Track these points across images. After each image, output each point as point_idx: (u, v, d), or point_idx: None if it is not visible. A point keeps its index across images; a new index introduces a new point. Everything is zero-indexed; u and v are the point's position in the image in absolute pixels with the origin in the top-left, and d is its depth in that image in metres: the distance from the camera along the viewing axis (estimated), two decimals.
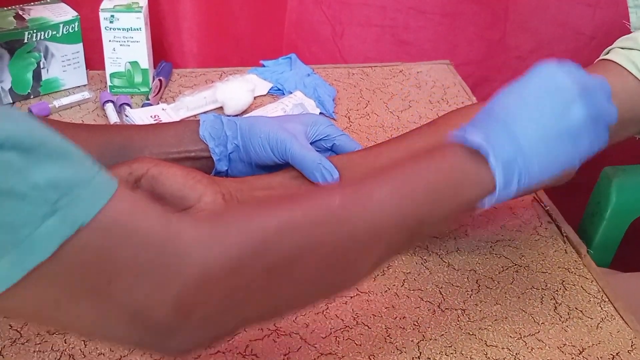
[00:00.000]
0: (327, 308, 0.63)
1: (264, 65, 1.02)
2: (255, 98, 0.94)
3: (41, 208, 0.38)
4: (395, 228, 0.48)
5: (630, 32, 0.73)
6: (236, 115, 0.91)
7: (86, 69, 0.99)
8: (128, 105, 0.92)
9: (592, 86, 0.54)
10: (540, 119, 0.52)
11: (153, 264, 0.41)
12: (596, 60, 0.71)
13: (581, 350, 0.59)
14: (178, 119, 0.89)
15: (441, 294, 0.65)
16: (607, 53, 0.70)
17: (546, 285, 0.66)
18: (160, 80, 0.97)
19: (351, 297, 0.64)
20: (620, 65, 0.67)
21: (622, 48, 0.69)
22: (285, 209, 0.46)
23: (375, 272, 0.51)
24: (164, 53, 1.14)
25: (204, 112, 0.92)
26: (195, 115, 0.92)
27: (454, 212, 0.52)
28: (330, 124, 0.73)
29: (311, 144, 0.70)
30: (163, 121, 0.88)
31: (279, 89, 0.98)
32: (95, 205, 0.39)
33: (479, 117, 0.53)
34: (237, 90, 0.91)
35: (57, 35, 0.94)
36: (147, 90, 0.97)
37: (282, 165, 0.70)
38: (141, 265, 0.40)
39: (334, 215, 0.47)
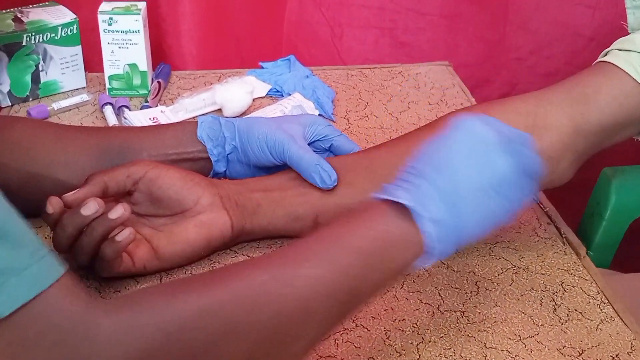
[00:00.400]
0: None
1: (262, 67, 1.02)
2: (254, 100, 0.94)
3: None
4: (329, 302, 0.46)
5: (628, 33, 0.73)
6: (235, 117, 0.91)
7: (85, 72, 0.99)
8: (127, 107, 0.92)
9: (513, 138, 0.53)
10: (466, 171, 0.51)
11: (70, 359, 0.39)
12: (594, 62, 0.71)
13: (580, 352, 0.59)
14: (176, 121, 0.89)
15: (440, 295, 0.65)
16: (605, 55, 0.70)
17: (545, 287, 0.66)
18: (159, 82, 0.97)
19: None
20: (618, 67, 0.67)
21: (620, 50, 0.68)
22: (208, 288, 0.44)
23: (312, 350, 0.49)
24: (162, 55, 1.14)
25: (203, 114, 0.92)
26: (194, 117, 0.91)
27: (387, 278, 0.50)
28: (328, 125, 0.72)
29: (309, 144, 0.70)
30: (162, 123, 0.87)
31: (278, 91, 0.98)
32: (18, 298, 0.37)
33: (404, 174, 0.52)
34: (235, 92, 0.91)
35: (56, 37, 0.94)
36: (146, 92, 0.96)
37: (280, 167, 0.69)
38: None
39: (260, 293, 0.44)
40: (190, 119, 0.91)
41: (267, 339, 0.44)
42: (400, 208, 0.49)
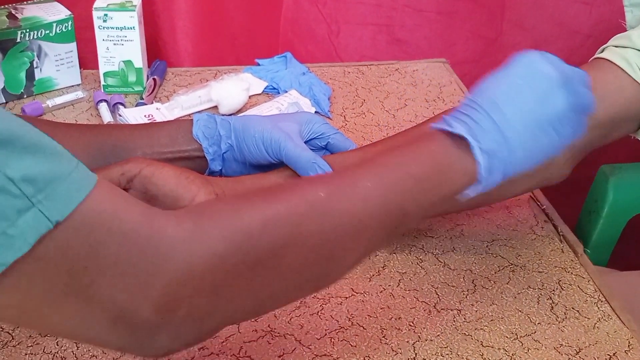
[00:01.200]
0: (322, 309, 0.62)
1: (259, 64, 1.02)
2: (250, 97, 0.94)
3: (17, 202, 0.37)
4: (380, 218, 0.48)
5: (625, 30, 0.73)
6: (231, 115, 0.90)
7: (80, 69, 0.98)
8: (122, 104, 0.91)
9: (572, 75, 0.54)
10: (524, 107, 0.52)
11: (135, 262, 0.40)
12: (591, 58, 0.71)
13: (578, 351, 0.59)
14: (172, 119, 0.88)
15: (437, 294, 0.64)
16: (602, 51, 0.70)
17: (542, 285, 0.66)
18: (154, 79, 0.96)
19: (346, 298, 0.63)
20: (614, 63, 0.67)
21: (616, 46, 0.68)
22: (270, 202, 0.46)
23: (359, 264, 0.52)
24: (158, 52, 1.13)
25: (198, 112, 0.92)
26: (189, 115, 0.91)
27: (437, 202, 0.51)
28: (324, 122, 0.72)
29: (305, 142, 0.70)
30: (157, 120, 0.87)
31: (274, 88, 0.97)
32: (72, 201, 0.38)
33: (463, 106, 0.53)
34: (231, 89, 0.90)
35: (51, 34, 0.94)
36: (141, 89, 0.96)
37: (276, 165, 0.69)
38: (123, 264, 0.40)
39: (319, 207, 0.46)
40: (185, 116, 0.91)
41: (324, 251, 0.46)
42: (456, 138, 0.51)
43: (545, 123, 0.52)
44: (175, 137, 0.70)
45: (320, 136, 0.71)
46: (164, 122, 0.77)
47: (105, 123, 0.88)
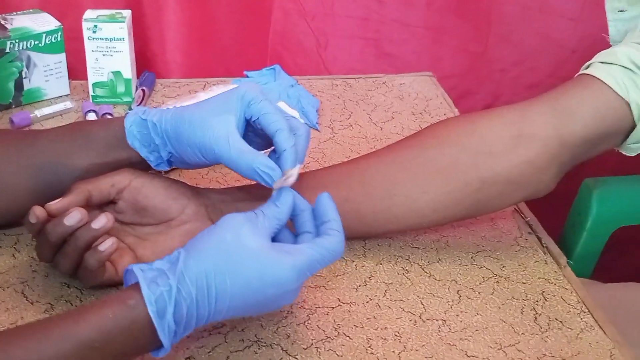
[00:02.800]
0: (309, 319, 0.63)
1: (247, 76, 1.03)
2: None
3: None
4: None
5: (609, 45, 0.74)
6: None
7: (69, 79, 0.99)
8: (110, 115, 0.92)
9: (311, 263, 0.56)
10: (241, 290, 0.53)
11: None
12: (576, 74, 0.72)
13: None
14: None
15: (422, 304, 0.65)
16: (587, 67, 0.71)
17: (526, 296, 0.67)
18: (143, 90, 0.97)
19: (333, 308, 0.64)
20: (600, 80, 0.68)
21: (602, 63, 0.69)
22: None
23: None
24: (147, 63, 1.14)
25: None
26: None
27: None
28: (262, 98, 0.62)
29: (250, 131, 0.63)
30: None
31: None
32: None
33: (166, 262, 0.54)
34: None
35: (40, 45, 0.94)
36: (130, 100, 0.96)
37: None
38: None
39: None
40: None
41: None
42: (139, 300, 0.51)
43: (256, 303, 0.54)
44: (111, 143, 0.66)
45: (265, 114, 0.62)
46: (98, 122, 0.71)
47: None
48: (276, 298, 0.54)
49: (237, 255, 0.53)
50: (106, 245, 0.59)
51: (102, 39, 0.93)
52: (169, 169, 0.68)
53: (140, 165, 0.66)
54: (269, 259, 0.53)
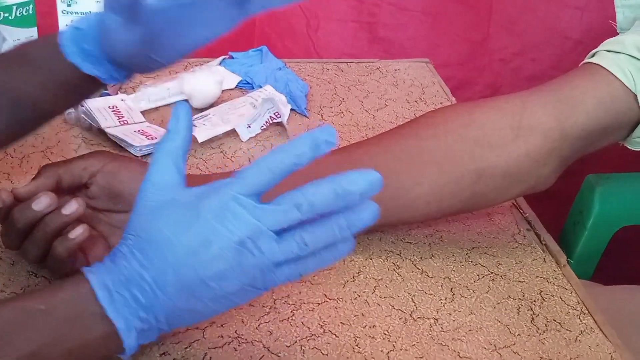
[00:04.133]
0: (293, 315, 0.62)
1: (232, 57, 1.02)
2: (223, 91, 0.94)
3: None
4: None
5: (617, 32, 0.74)
6: (203, 110, 0.90)
7: None
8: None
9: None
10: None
11: None
12: (581, 62, 0.72)
13: None
14: (138, 111, 0.88)
15: (413, 302, 0.65)
16: (593, 56, 0.71)
17: (523, 296, 0.67)
18: None
19: (318, 304, 0.64)
20: (606, 69, 0.68)
21: (608, 51, 0.70)
22: None
23: None
24: None
25: (168, 104, 0.92)
26: (157, 107, 0.91)
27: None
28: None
29: None
30: (122, 113, 0.87)
31: (248, 83, 0.98)
32: None
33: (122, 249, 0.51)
34: (204, 81, 0.91)
35: (10, 17, 0.93)
36: None
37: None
38: None
39: None
40: (153, 109, 0.91)
41: None
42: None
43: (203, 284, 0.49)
44: (52, 63, 0.60)
45: None
46: (28, 44, 0.65)
47: (66, 113, 0.88)
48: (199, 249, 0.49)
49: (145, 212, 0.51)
50: (76, 232, 0.59)
51: (77, 13, 0.92)
52: (124, 80, 0.63)
53: (90, 85, 0.62)
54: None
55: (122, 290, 0.49)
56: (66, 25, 0.62)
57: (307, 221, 0.49)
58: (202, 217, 0.49)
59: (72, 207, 0.59)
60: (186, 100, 0.52)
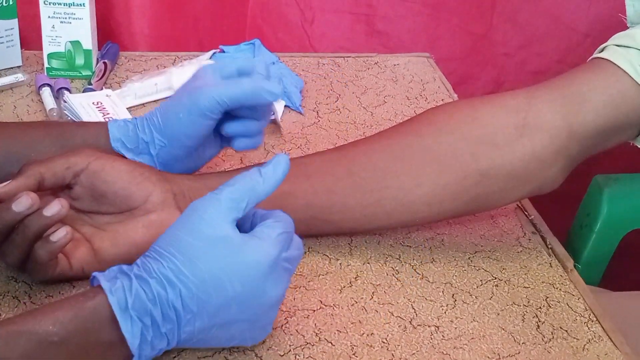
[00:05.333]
0: (287, 322, 0.62)
1: (223, 51, 1.02)
2: None
3: None
4: None
5: (627, 26, 0.75)
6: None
7: (21, 49, 0.98)
8: (67, 89, 0.91)
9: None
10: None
11: None
12: (590, 58, 0.72)
13: None
14: (123, 107, 0.88)
15: (413, 308, 0.65)
16: (602, 51, 0.71)
17: (528, 302, 0.67)
18: (105, 63, 0.96)
19: (314, 311, 0.64)
20: (616, 65, 0.68)
21: (618, 46, 0.70)
22: None
23: None
24: (110, 33, 1.13)
25: (154, 101, 0.92)
26: (143, 104, 0.91)
27: None
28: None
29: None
30: (107, 109, 0.87)
31: None
32: None
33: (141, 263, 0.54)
34: None
35: None
36: (90, 74, 0.96)
37: (214, 141, 0.71)
38: None
39: None
40: (139, 105, 0.91)
41: None
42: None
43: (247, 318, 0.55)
44: (89, 145, 0.68)
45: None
46: (77, 124, 0.75)
47: (48, 109, 0.88)
48: (251, 295, 0.54)
49: (195, 247, 0.53)
50: (59, 235, 0.58)
51: (60, 3, 0.92)
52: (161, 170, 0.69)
53: None
54: (232, 245, 0.53)
55: (143, 316, 0.52)
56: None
57: None
58: (255, 276, 0.54)
59: (55, 208, 0.58)
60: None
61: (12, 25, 0.96)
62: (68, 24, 0.93)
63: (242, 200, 0.55)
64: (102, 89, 0.93)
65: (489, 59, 1.30)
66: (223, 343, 0.57)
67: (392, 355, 0.60)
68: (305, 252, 0.68)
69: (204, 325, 0.53)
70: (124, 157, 0.69)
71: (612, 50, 0.70)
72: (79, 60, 0.95)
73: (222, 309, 0.53)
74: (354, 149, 0.71)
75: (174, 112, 0.69)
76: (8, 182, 0.60)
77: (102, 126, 0.70)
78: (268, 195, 0.56)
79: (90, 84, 0.93)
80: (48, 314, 0.50)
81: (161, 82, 0.92)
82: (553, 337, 0.64)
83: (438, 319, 0.64)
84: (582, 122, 0.67)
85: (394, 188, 0.67)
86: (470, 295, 0.67)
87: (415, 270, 0.70)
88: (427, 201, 0.67)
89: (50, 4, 0.92)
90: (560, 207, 0.98)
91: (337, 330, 0.62)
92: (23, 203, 0.58)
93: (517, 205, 0.79)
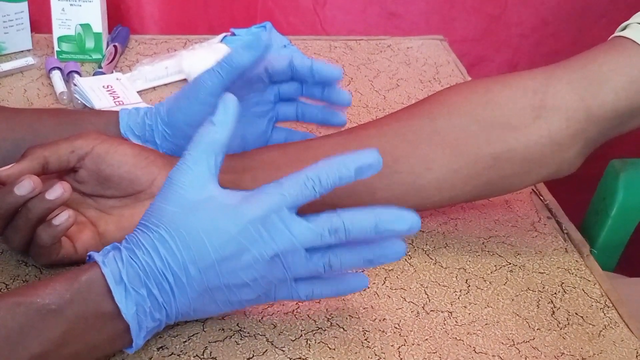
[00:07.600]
0: (298, 307, 0.62)
1: (234, 34, 1.02)
2: None
3: None
4: None
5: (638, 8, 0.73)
6: None
7: (31, 32, 0.98)
8: (77, 73, 0.91)
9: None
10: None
11: None
12: (610, 36, 0.71)
13: None
14: (134, 90, 0.88)
15: (426, 294, 0.65)
16: (624, 29, 0.70)
17: (543, 288, 0.66)
18: (115, 46, 0.96)
19: None
20: (638, 44, 0.66)
21: None
22: None
23: None
24: (120, 16, 1.12)
25: (165, 84, 0.91)
26: (153, 87, 0.91)
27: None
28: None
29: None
30: (117, 92, 0.86)
31: None
32: None
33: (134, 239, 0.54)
34: (204, 59, 0.90)
35: None
36: (100, 57, 0.95)
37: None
38: None
39: None
40: (149, 88, 0.91)
41: None
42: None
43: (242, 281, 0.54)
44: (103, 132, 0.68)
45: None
46: (90, 112, 0.76)
47: (58, 93, 0.88)
48: (232, 254, 0.53)
49: (177, 215, 0.53)
50: (61, 219, 0.58)
51: None
52: None
53: None
54: (215, 204, 0.53)
55: (139, 287, 0.52)
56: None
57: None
58: (241, 225, 0.52)
59: (57, 191, 0.58)
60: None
61: (22, 8, 0.96)
62: (78, 7, 0.93)
63: (210, 156, 0.55)
64: (112, 72, 0.92)
65: (503, 40, 1.29)
66: (224, 309, 0.56)
67: (405, 340, 0.60)
68: None
69: (196, 293, 0.53)
70: (127, 140, 0.68)
71: (635, 29, 0.68)
72: (89, 44, 0.95)
73: (209, 272, 0.53)
74: (365, 131, 0.70)
75: (176, 102, 0.69)
76: (11, 165, 0.60)
77: (114, 114, 0.70)
78: (229, 140, 0.56)
79: (100, 67, 0.92)
80: (45, 285, 0.51)
81: (171, 66, 0.92)
82: (568, 323, 0.63)
83: (451, 305, 0.64)
84: (601, 103, 0.66)
85: (404, 173, 0.66)
86: (484, 280, 0.67)
87: (428, 255, 0.69)
88: (438, 186, 0.67)
89: None
90: (576, 191, 0.97)
91: (349, 316, 0.62)
92: (25, 186, 0.58)
93: (532, 189, 0.78)
